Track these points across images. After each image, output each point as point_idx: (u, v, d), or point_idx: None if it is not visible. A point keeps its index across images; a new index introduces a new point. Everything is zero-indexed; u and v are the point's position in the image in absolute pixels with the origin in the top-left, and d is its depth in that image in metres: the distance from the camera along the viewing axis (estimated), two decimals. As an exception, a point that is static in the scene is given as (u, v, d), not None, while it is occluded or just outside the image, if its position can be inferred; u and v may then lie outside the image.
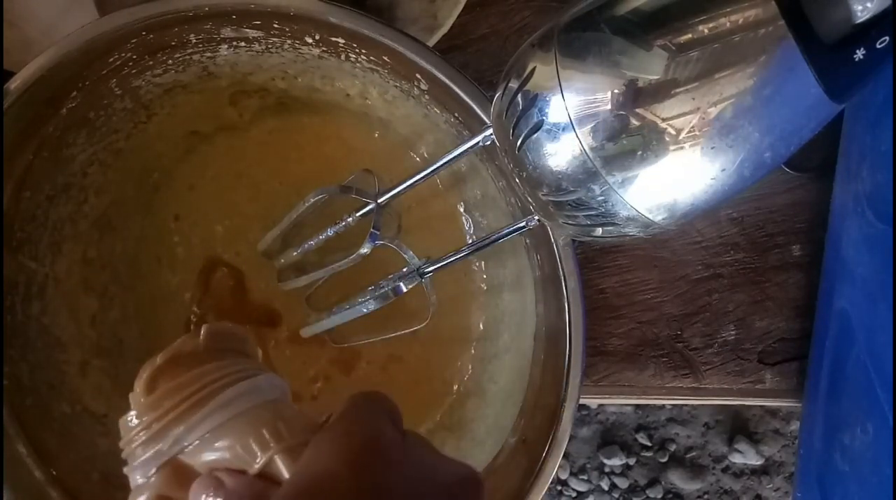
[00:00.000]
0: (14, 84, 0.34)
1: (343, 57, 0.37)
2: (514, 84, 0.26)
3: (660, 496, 0.99)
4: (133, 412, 0.25)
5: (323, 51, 0.37)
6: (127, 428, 0.25)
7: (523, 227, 0.33)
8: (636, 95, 0.23)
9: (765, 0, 0.21)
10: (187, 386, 0.25)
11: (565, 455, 0.70)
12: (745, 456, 0.97)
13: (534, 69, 0.25)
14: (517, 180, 0.28)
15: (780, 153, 0.24)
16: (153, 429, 0.24)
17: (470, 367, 0.46)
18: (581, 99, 0.24)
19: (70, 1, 0.43)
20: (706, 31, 0.22)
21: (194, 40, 0.37)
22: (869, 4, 0.20)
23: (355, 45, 0.36)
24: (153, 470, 0.24)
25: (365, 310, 0.37)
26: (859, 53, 0.21)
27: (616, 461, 0.98)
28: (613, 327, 0.48)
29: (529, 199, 0.29)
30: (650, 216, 0.25)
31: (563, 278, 0.35)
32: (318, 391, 0.46)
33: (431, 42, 0.42)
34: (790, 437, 0.98)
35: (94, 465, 0.41)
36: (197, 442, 0.24)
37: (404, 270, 0.37)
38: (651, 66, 0.22)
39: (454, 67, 0.34)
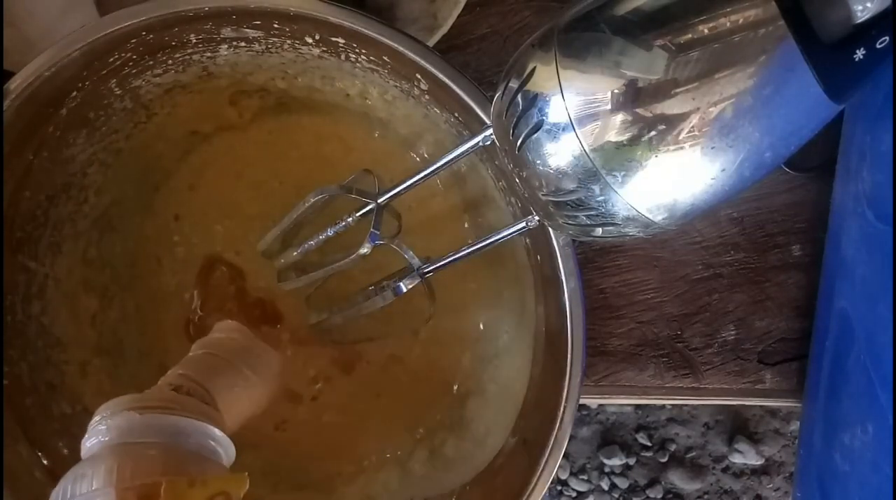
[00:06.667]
0: (14, 84, 0.34)
1: (343, 57, 0.37)
2: (514, 84, 0.26)
3: (660, 496, 0.99)
4: None
5: (323, 51, 0.37)
6: None
7: (523, 227, 0.33)
8: (636, 95, 0.23)
9: (765, 0, 0.21)
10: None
11: (565, 455, 0.70)
12: (745, 456, 0.97)
13: (534, 69, 0.25)
14: (517, 180, 0.28)
15: (780, 153, 0.24)
16: None
17: (470, 367, 0.46)
18: (581, 99, 0.24)
19: (70, 1, 0.43)
20: (706, 31, 0.22)
21: (194, 40, 0.37)
22: (869, 4, 0.20)
23: (355, 45, 0.36)
24: None
25: (365, 310, 0.37)
26: (859, 53, 0.21)
27: (616, 461, 0.98)
28: (613, 327, 0.48)
29: (529, 199, 0.29)
30: (650, 216, 0.25)
31: (563, 278, 0.35)
32: (319, 392, 0.46)
33: (431, 42, 0.42)
34: (790, 437, 0.98)
35: (94, 465, 0.41)
36: None
37: (404, 270, 0.37)
38: (651, 66, 0.22)
39: (454, 67, 0.34)
